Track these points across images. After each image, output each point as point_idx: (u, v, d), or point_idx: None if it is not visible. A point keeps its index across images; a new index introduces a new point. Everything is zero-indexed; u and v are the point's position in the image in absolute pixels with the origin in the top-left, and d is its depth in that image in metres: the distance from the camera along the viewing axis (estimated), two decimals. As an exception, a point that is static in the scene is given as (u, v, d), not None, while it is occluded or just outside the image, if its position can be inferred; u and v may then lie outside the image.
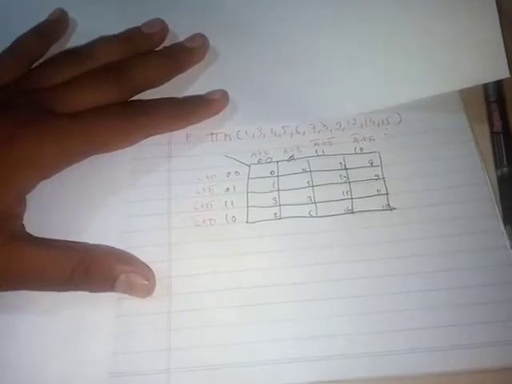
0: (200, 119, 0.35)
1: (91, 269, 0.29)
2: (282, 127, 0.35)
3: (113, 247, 0.30)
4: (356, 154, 0.34)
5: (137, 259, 0.30)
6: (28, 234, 0.30)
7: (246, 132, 0.35)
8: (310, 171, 0.33)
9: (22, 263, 0.29)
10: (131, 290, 0.29)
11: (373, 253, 0.30)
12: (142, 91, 0.35)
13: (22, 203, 0.31)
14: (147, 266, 0.30)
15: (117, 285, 0.29)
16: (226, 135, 0.35)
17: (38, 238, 0.30)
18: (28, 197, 0.31)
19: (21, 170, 0.30)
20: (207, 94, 0.35)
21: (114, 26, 0.37)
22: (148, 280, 0.29)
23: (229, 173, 0.33)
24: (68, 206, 0.32)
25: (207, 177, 0.33)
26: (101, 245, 0.30)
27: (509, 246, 0.30)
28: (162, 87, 0.36)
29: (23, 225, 0.30)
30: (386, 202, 0.32)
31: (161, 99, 0.35)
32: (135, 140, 0.34)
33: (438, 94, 0.34)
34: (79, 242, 0.30)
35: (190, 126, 0.35)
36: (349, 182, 0.33)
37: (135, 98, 0.35)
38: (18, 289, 0.29)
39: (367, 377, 0.27)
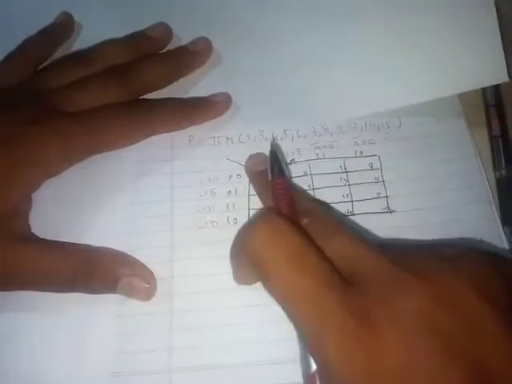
0: (203, 120, 0.35)
1: (93, 272, 0.29)
2: (283, 131, 0.35)
3: (115, 250, 0.31)
4: (356, 157, 0.34)
5: (139, 262, 0.30)
6: (33, 234, 0.30)
7: (248, 135, 0.35)
8: (311, 174, 0.33)
9: (26, 264, 0.29)
10: (132, 292, 0.30)
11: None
12: (145, 93, 0.35)
13: (27, 201, 0.31)
14: (149, 269, 0.30)
15: (118, 287, 0.29)
16: (227, 138, 0.35)
17: (42, 239, 0.30)
18: (33, 197, 0.31)
19: (26, 168, 0.30)
20: (210, 96, 0.36)
21: (119, 29, 0.37)
22: (149, 284, 0.30)
23: (230, 176, 0.34)
24: (72, 207, 0.32)
25: (209, 179, 0.33)
26: (103, 247, 0.31)
27: (507, 248, 0.30)
28: (165, 89, 0.36)
29: (29, 224, 0.31)
30: (386, 205, 0.32)
31: (164, 99, 0.35)
32: (138, 138, 0.34)
33: (438, 98, 0.34)
34: (82, 244, 0.30)
35: (193, 129, 0.35)
36: (349, 185, 0.33)
37: (138, 99, 0.36)
38: (19, 289, 0.29)
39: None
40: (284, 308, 0.23)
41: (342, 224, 0.27)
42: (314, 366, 0.22)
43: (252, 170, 0.33)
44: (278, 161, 0.30)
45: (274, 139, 0.33)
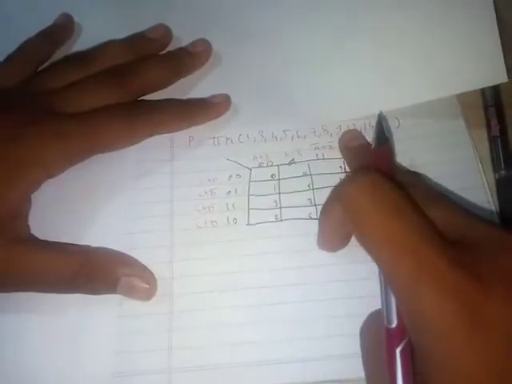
0: (202, 121, 0.35)
1: (93, 272, 0.29)
2: (283, 131, 0.35)
3: (115, 250, 0.31)
4: (356, 157, 0.34)
5: (138, 262, 0.30)
6: (32, 235, 0.30)
7: (248, 136, 0.35)
8: (311, 175, 0.33)
9: (26, 265, 0.29)
10: (132, 293, 0.30)
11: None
12: (144, 94, 0.35)
13: (27, 202, 0.31)
14: (148, 269, 0.30)
15: (118, 288, 0.29)
16: (227, 139, 0.35)
17: (41, 240, 0.30)
18: (32, 198, 0.31)
19: (26, 168, 0.30)
20: (210, 97, 0.36)
21: (119, 31, 0.37)
22: (149, 284, 0.30)
23: (230, 176, 0.34)
24: (72, 207, 0.32)
25: (209, 180, 0.33)
26: (103, 248, 0.31)
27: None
28: (164, 90, 0.36)
29: (28, 226, 0.31)
30: (385, 205, 0.32)
31: (164, 100, 0.35)
32: (138, 139, 0.34)
33: (437, 99, 0.34)
34: (81, 244, 0.31)
35: (192, 130, 0.35)
36: (348, 185, 0.33)
37: (138, 100, 0.35)
38: (18, 290, 0.29)
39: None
40: (377, 257, 0.23)
41: (442, 193, 0.28)
42: (395, 321, 0.23)
43: (346, 145, 0.33)
44: (382, 129, 0.31)
45: (381, 112, 0.33)
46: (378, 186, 0.24)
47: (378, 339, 0.24)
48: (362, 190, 0.24)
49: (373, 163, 0.29)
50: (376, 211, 0.24)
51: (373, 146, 0.31)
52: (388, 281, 0.23)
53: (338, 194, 0.26)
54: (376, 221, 0.23)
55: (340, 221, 0.26)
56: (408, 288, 0.22)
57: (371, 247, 0.23)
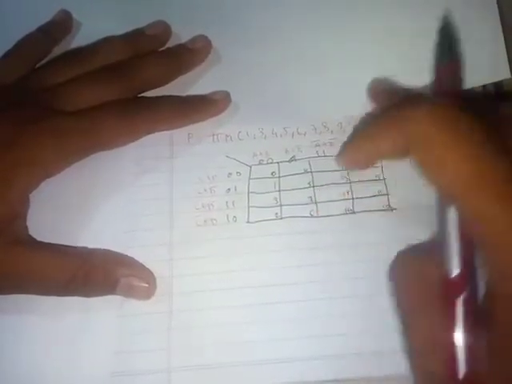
0: (201, 118, 0.35)
1: (91, 274, 0.29)
2: (283, 128, 0.35)
3: (112, 251, 0.31)
4: (357, 154, 0.34)
5: (137, 262, 0.30)
6: (30, 237, 0.30)
7: (247, 133, 0.35)
8: (311, 172, 0.33)
9: (23, 267, 0.29)
10: (131, 293, 0.30)
11: (373, 253, 0.30)
12: (143, 91, 0.35)
13: (25, 202, 0.31)
14: (147, 269, 0.30)
15: (118, 289, 0.29)
16: (227, 136, 0.35)
17: (39, 242, 0.30)
18: (30, 197, 0.31)
19: (24, 168, 0.30)
20: (209, 94, 0.35)
21: (118, 27, 0.37)
22: (148, 283, 0.30)
23: (230, 173, 0.33)
24: (70, 205, 0.32)
25: (208, 177, 0.33)
26: (100, 249, 0.30)
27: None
28: (163, 88, 0.36)
29: (27, 227, 0.30)
30: (387, 203, 0.32)
31: (163, 97, 0.35)
32: (137, 136, 0.34)
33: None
34: (79, 246, 0.30)
35: (192, 127, 0.35)
36: (350, 183, 0.33)
37: (137, 98, 0.35)
38: (16, 293, 0.29)
39: (367, 376, 0.27)
40: (461, 202, 0.21)
41: None
42: (457, 269, 0.21)
43: (376, 86, 0.31)
44: (448, 37, 0.25)
45: (446, 12, 0.27)
46: (460, 118, 0.21)
47: (419, 277, 0.22)
48: (440, 124, 0.21)
49: (436, 80, 0.25)
50: (461, 150, 0.21)
51: (435, 64, 0.25)
52: (473, 227, 0.21)
53: (400, 124, 0.23)
54: (461, 163, 0.21)
55: (391, 150, 0.24)
56: (504, 236, 0.19)
57: (452, 191, 0.21)
